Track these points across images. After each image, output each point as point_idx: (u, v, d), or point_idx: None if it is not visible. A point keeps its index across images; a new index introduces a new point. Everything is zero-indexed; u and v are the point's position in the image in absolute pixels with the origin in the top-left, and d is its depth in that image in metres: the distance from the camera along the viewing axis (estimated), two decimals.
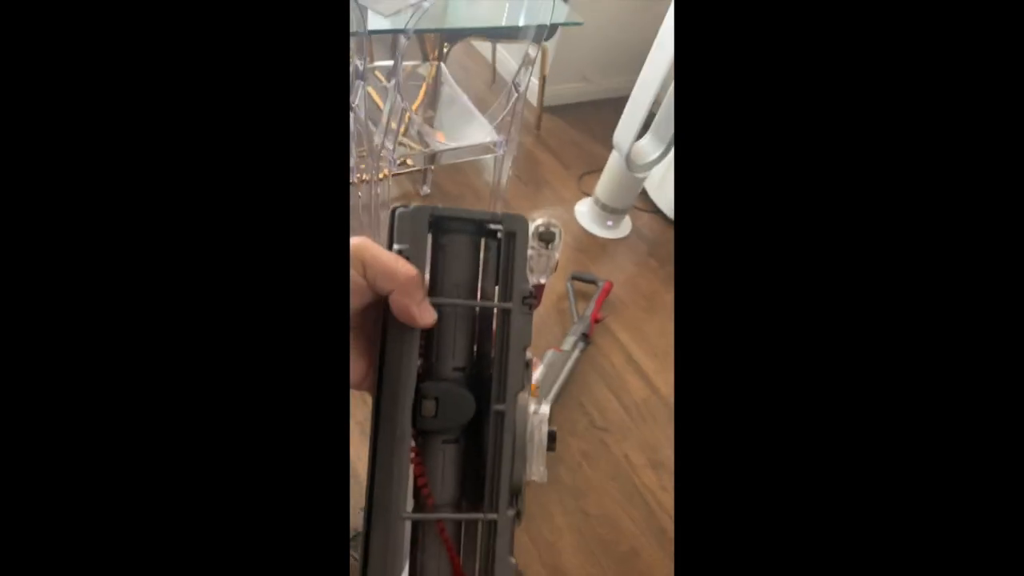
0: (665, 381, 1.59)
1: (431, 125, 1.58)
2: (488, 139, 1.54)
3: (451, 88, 1.67)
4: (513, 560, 0.27)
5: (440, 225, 0.29)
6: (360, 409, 1.21)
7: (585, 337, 1.57)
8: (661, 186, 2.05)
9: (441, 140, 1.52)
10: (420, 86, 1.66)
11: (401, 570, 0.27)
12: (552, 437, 0.28)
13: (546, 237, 0.28)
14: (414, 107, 1.60)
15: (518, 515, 0.27)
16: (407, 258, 0.27)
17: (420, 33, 1.63)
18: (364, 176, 1.50)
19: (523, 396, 0.28)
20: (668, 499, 1.36)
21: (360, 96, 1.30)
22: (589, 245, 1.95)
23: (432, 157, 1.52)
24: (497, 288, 0.29)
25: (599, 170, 1.92)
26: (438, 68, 1.69)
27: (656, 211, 2.10)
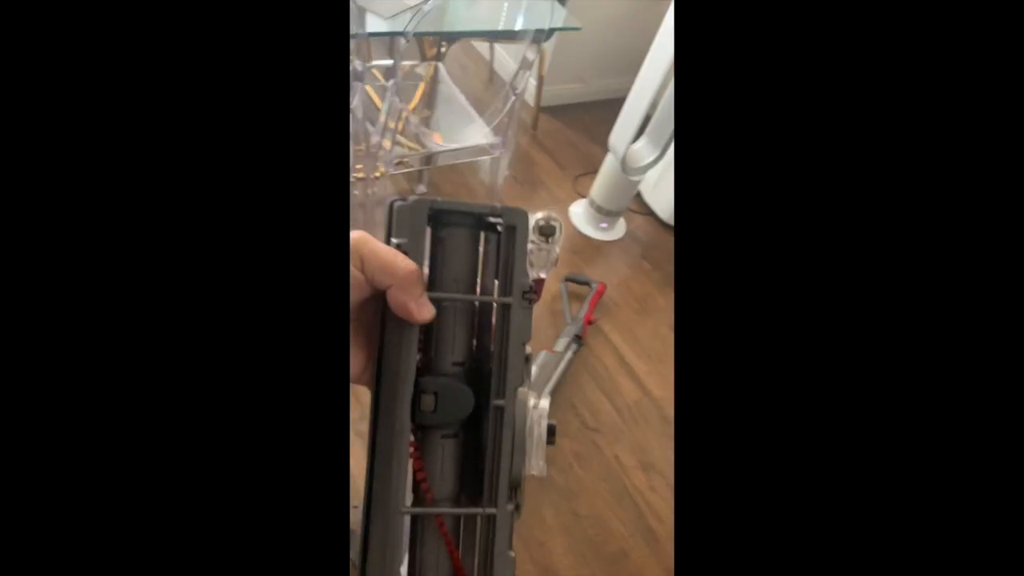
0: (657, 383, 1.60)
1: (428, 125, 1.58)
2: (485, 141, 1.54)
3: (448, 88, 1.67)
4: (512, 554, 0.27)
5: (439, 218, 0.29)
6: (353, 408, 1.20)
7: (578, 338, 1.57)
8: (656, 189, 2.06)
9: (438, 141, 1.52)
10: (417, 85, 1.66)
11: (400, 564, 0.26)
12: (552, 431, 0.28)
13: (546, 231, 0.28)
14: (411, 106, 1.59)
15: (517, 509, 0.27)
16: (405, 252, 0.27)
17: (419, 36, 1.62)
18: (360, 174, 1.50)
19: (523, 391, 0.28)
20: (657, 501, 1.37)
21: (358, 97, 1.29)
22: (583, 247, 1.95)
23: (428, 159, 1.51)
24: (497, 282, 0.29)
25: (595, 172, 1.92)
26: (436, 68, 1.69)
27: (650, 214, 2.11)
